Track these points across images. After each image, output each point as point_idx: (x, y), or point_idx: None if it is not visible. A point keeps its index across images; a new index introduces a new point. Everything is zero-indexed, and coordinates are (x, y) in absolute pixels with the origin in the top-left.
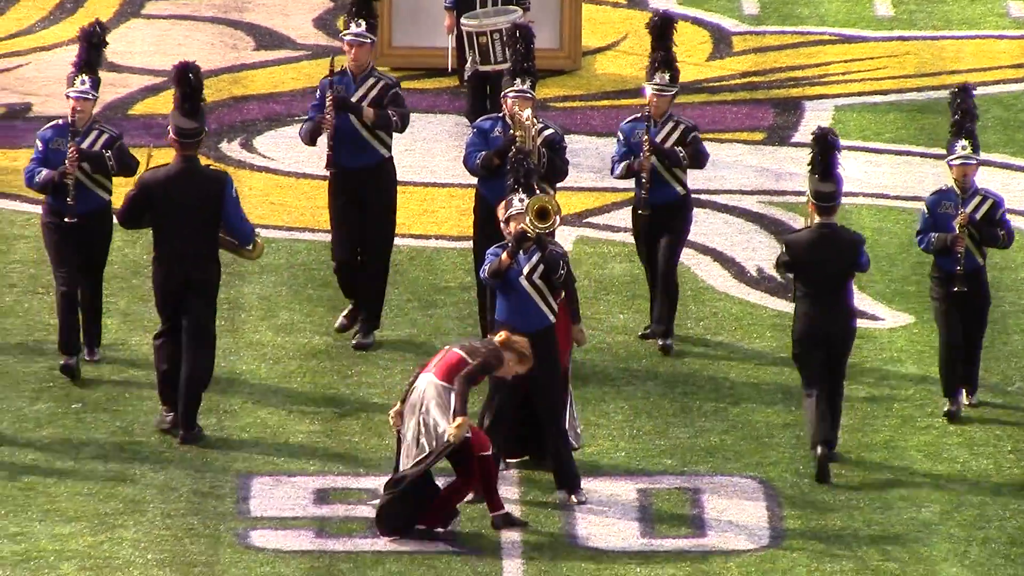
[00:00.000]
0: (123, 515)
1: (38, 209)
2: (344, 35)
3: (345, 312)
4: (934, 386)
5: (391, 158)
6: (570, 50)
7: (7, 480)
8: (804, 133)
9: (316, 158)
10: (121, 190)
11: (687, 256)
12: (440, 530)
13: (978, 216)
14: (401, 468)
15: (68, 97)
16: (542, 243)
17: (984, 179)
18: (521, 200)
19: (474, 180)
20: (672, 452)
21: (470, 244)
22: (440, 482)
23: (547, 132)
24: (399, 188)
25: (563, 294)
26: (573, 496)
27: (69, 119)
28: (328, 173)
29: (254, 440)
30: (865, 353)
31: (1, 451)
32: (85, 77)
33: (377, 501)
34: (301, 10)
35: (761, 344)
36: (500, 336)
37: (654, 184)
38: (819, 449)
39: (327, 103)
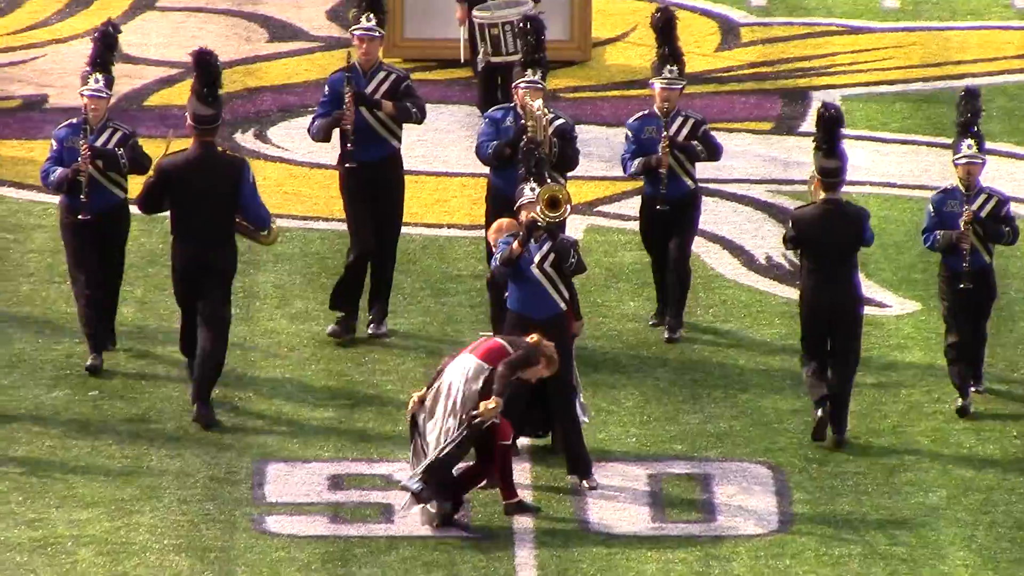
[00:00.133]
0: (140, 501)
1: (55, 199)
2: (354, 30)
3: (336, 320)
4: (941, 372)
5: (400, 150)
6: (580, 41)
7: (25, 467)
8: (811, 123)
9: (330, 148)
10: (137, 187)
11: (697, 245)
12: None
13: (983, 214)
14: (430, 449)
15: (82, 96)
16: (553, 232)
17: (989, 169)
18: (532, 189)
19: (486, 169)
20: (682, 438)
21: (482, 233)
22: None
23: (558, 122)
24: (412, 178)
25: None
26: (585, 481)
27: (83, 117)
28: (341, 167)
29: (269, 427)
30: (872, 340)
31: (19, 438)
32: (99, 76)
33: (416, 484)
34: (314, 2)
35: (770, 331)
36: (533, 338)
37: (667, 179)
38: (819, 411)
39: (346, 99)
